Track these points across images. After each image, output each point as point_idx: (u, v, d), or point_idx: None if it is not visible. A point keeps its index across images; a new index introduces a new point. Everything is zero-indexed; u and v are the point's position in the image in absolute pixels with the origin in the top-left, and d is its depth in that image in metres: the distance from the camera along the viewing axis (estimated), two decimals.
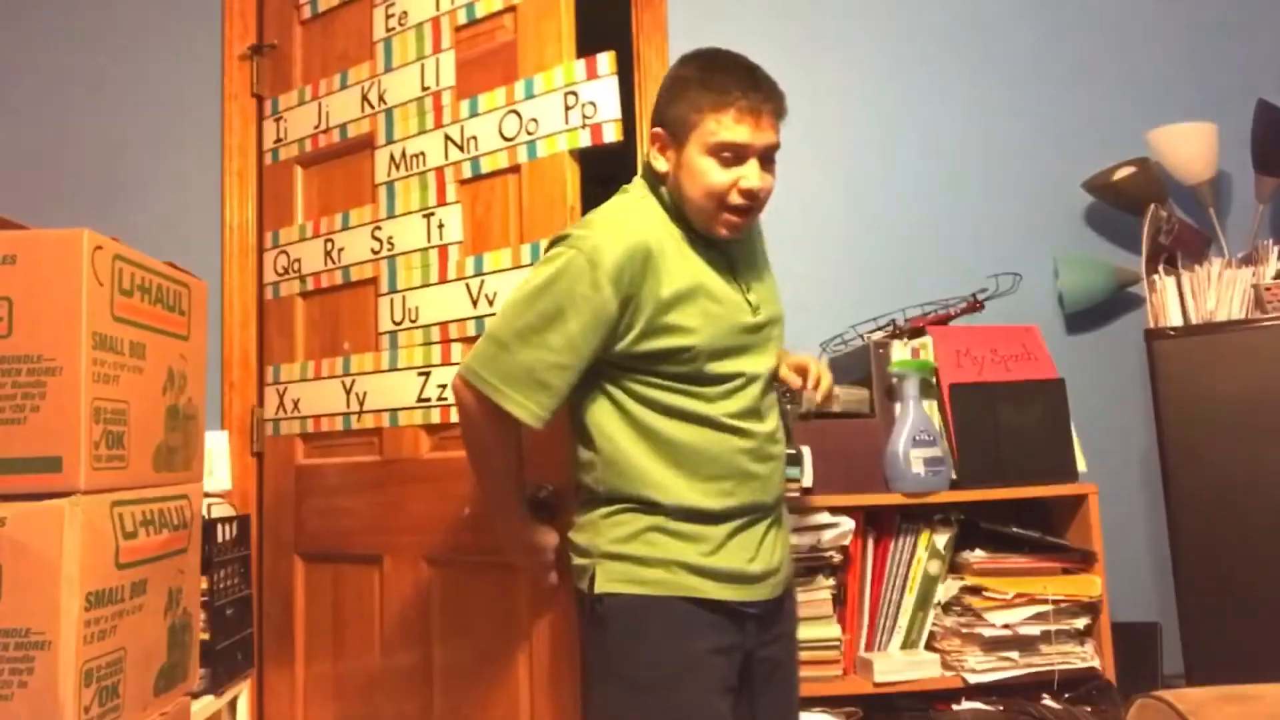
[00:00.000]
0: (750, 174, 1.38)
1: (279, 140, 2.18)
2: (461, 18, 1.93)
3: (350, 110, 2.06)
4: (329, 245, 2.07)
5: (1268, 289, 2.03)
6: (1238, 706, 1.16)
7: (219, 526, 1.84)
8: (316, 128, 2.11)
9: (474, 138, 1.88)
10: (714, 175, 1.37)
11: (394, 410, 1.95)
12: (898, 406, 1.89)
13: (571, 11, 1.81)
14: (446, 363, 1.87)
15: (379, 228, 1.99)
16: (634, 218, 1.41)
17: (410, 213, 1.95)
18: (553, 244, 1.42)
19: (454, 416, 1.74)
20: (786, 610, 1.52)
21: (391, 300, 1.96)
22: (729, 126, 1.36)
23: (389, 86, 2.01)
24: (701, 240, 1.44)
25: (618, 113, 1.72)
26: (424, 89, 1.97)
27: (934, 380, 1.96)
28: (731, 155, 1.37)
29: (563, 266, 1.35)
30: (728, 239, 1.43)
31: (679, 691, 1.33)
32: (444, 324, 1.88)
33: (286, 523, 2.09)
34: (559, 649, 1.75)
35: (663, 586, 1.35)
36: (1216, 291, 2.07)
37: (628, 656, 1.36)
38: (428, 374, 1.90)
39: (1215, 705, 1.16)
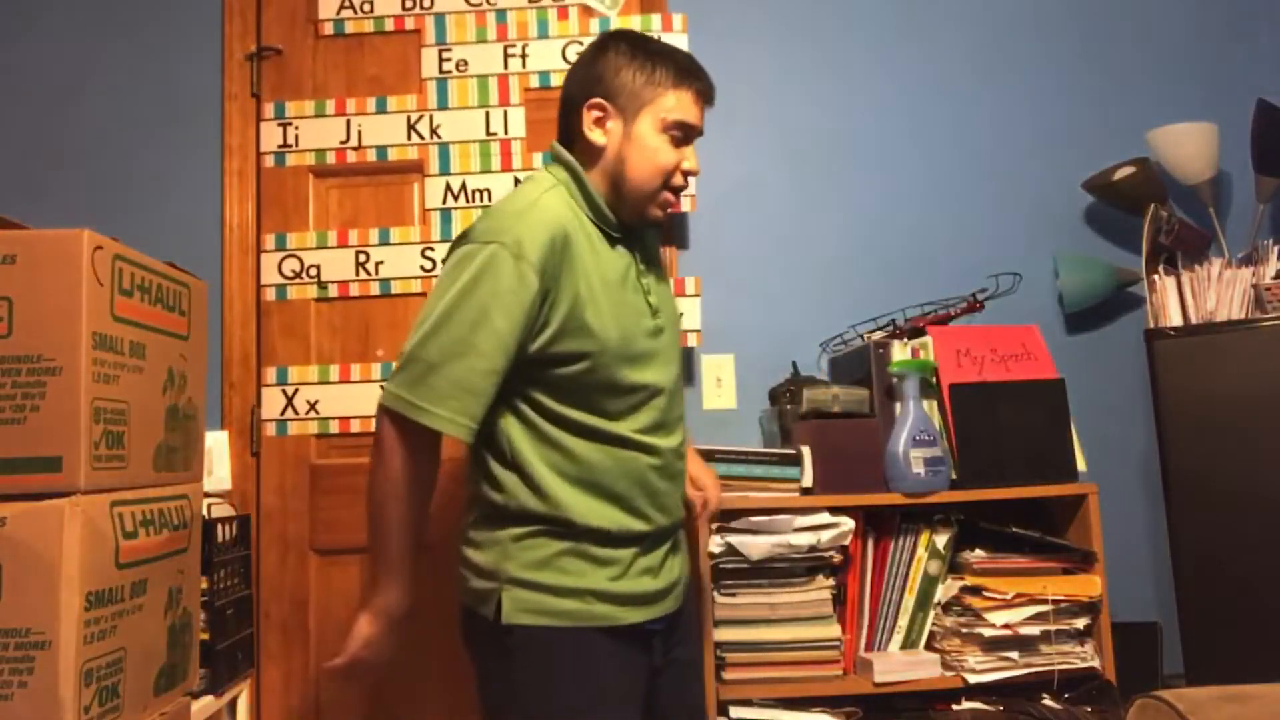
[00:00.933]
0: (692, 156, 1.39)
1: (286, 145, 2.22)
2: (534, 82, 2.25)
3: (392, 135, 2.23)
4: (361, 257, 2.18)
5: (1268, 289, 2.03)
6: (1238, 706, 1.16)
7: (219, 526, 1.84)
8: (344, 143, 2.22)
9: None
10: (664, 153, 1.36)
11: None
12: (898, 406, 1.89)
13: None
14: None
15: (431, 249, 2.19)
16: (547, 205, 1.33)
17: None
18: (458, 243, 1.34)
19: None
20: (686, 612, 1.50)
21: None
22: (687, 106, 1.36)
23: (443, 123, 2.23)
24: (608, 236, 1.39)
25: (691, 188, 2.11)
26: (490, 134, 2.22)
27: (934, 380, 1.96)
28: (681, 135, 1.37)
29: (484, 263, 1.26)
30: (656, 223, 1.43)
31: None
32: None
33: (297, 521, 2.13)
34: None
35: (575, 618, 1.30)
36: (1216, 291, 2.07)
37: (538, 691, 1.30)
38: None
39: (1215, 705, 1.17)
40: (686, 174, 1.40)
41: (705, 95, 1.40)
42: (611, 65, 1.38)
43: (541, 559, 1.32)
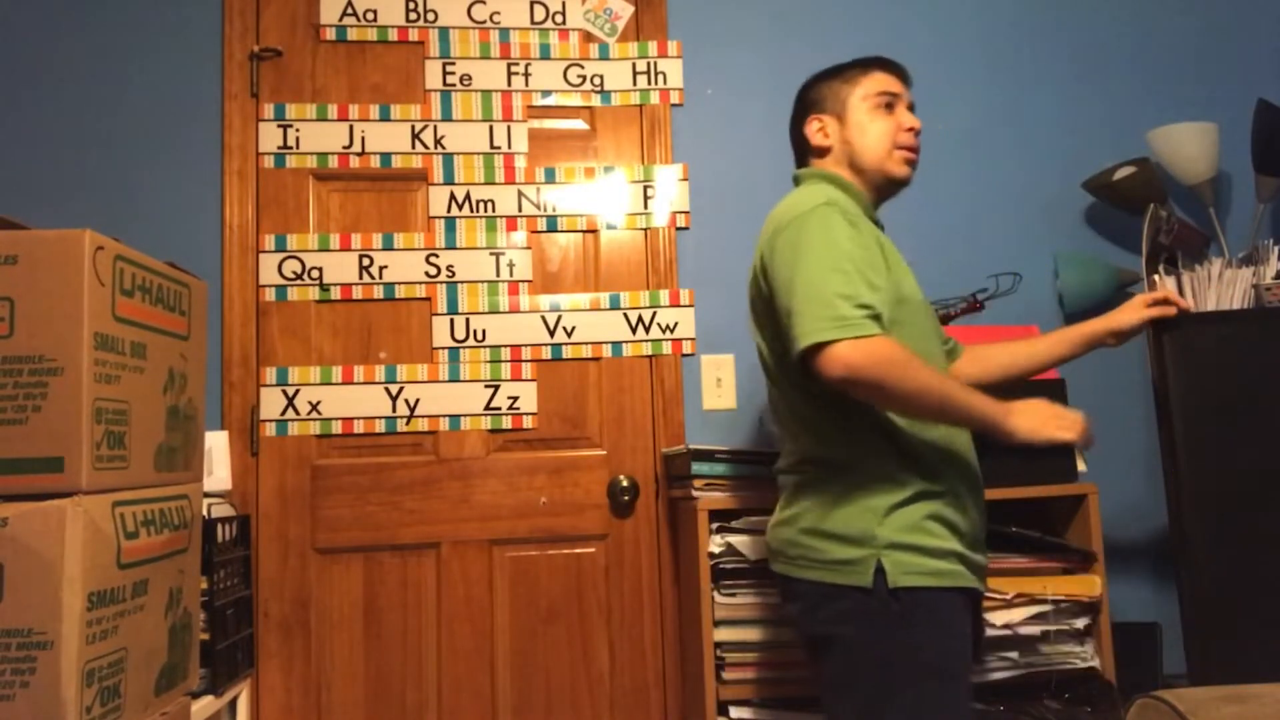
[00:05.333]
0: (910, 116, 1.61)
1: (286, 147, 2.24)
2: (536, 99, 2.32)
3: (397, 143, 2.27)
4: (365, 260, 2.21)
5: (1268, 289, 2.04)
6: (1238, 706, 1.17)
7: (219, 526, 1.84)
8: (347, 148, 2.25)
9: (553, 204, 2.29)
10: (881, 122, 1.58)
11: (455, 415, 2.19)
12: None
13: (639, 123, 2.34)
14: (517, 378, 2.21)
15: (435, 255, 2.23)
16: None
17: (476, 248, 2.25)
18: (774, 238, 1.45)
19: (526, 423, 2.20)
20: None
21: (452, 320, 2.22)
22: (883, 80, 1.57)
23: (447, 133, 2.28)
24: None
25: (686, 205, 2.31)
26: (493, 147, 2.28)
27: None
28: (890, 101, 1.58)
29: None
30: (905, 180, 1.58)
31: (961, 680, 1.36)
32: (515, 346, 2.22)
33: (298, 520, 2.14)
34: (640, 622, 2.17)
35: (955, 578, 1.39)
36: (1216, 291, 2.07)
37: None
38: (496, 386, 2.21)
39: (1215, 705, 1.17)
40: (911, 130, 1.54)
41: (895, 69, 1.58)
42: (812, 90, 1.61)
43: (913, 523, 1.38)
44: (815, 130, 1.58)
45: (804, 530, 1.40)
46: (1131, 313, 1.69)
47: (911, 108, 1.59)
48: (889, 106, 1.55)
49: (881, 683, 1.32)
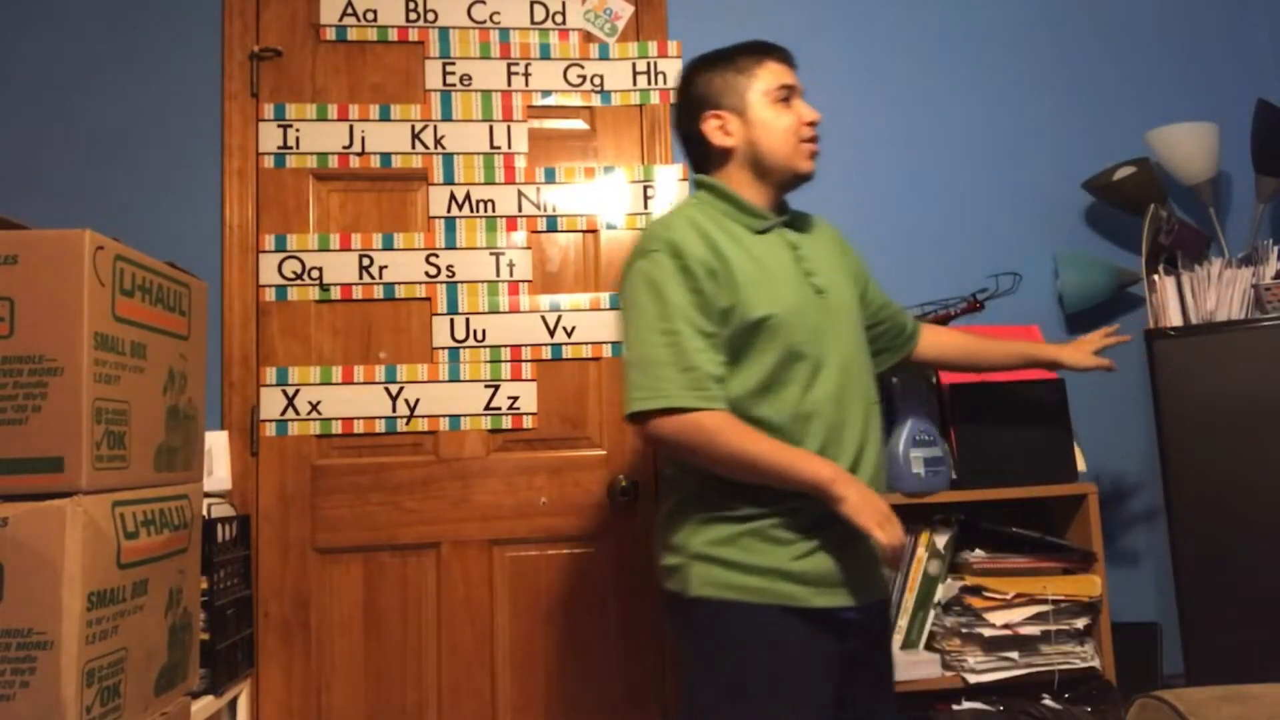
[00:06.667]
0: (807, 109, 1.54)
1: (286, 147, 2.24)
2: (536, 99, 2.31)
3: (396, 143, 2.27)
4: (365, 260, 2.21)
5: (1268, 289, 2.04)
6: (1238, 706, 1.17)
7: (219, 526, 1.84)
8: (347, 148, 2.25)
9: (553, 204, 2.28)
10: (783, 117, 1.51)
11: (455, 415, 2.19)
12: (898, 406, 1.89)
13: (639, 123, 2.34)
14: (517, 378, 2.21)
15: (435, 255, 2.23)
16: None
17: (476, 248, 2.25)
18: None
19: (526, 423, 2.20)
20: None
21: (452, 320, 2.22)
22: (779, 72, 1.52)
23: (447, 133, 2.28)
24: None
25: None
26: (493, 147, 2.28)
27: (934, 380, 1.97)
28: (787, 95, 1.52)
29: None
30: (808, 175, 1.53)
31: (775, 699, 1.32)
32: (515, 346, 2.22)
33: (299, 520, 2.14)
34: (640, 622, 2.17)
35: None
36: (1216, 291, 2.07)
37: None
38: (496, 386, 2.21)
39: (1215, 705, 1.17)
40: (812, 123, 1.50)
41: (786, 57, 1.54)
42: (702, 82, 1.52)
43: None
44: (715, 129, 1.50)
45: (659, 542, 1.48)
46: (1079, 356, 1.76)
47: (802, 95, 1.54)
48: (787, 100, 1.49)
49: (691, 692, 1.38)
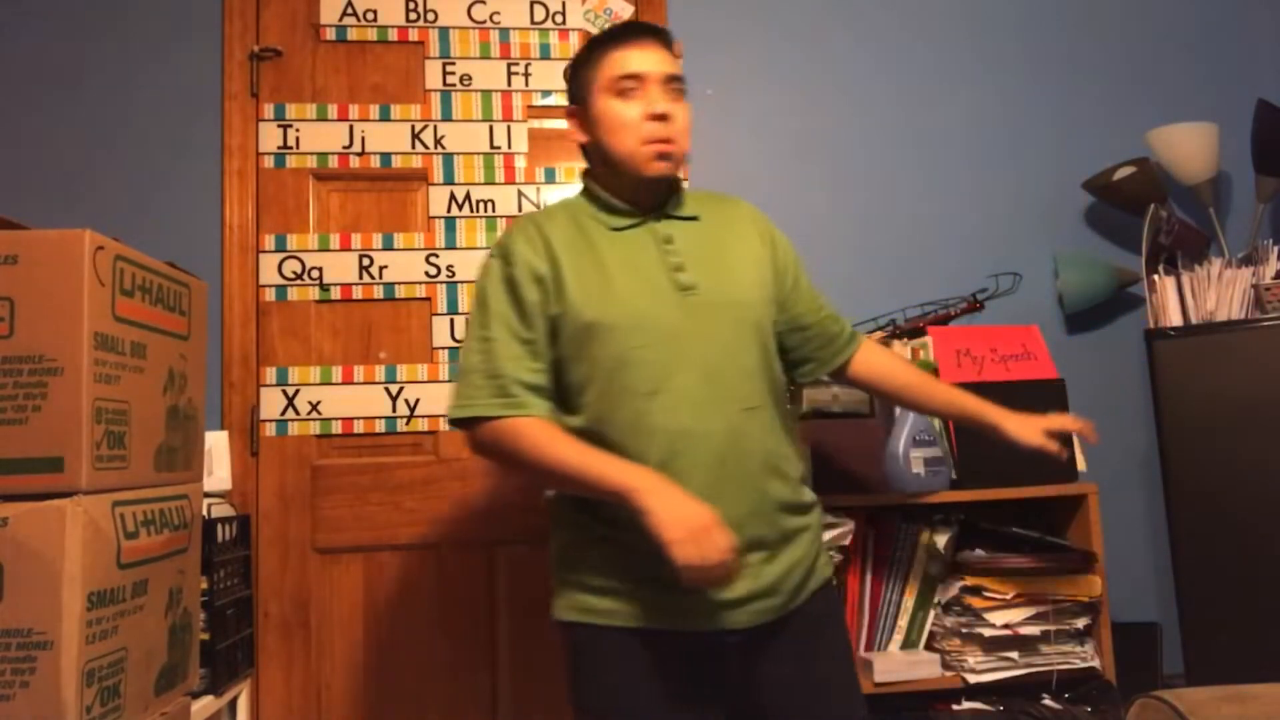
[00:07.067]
0: (656, 100, 1.36)
1: (286, 147, 2.24)
2: (536, 99, 2.32)
3: (397, 143, 2.27)
4: (365, 260, 2.22)
5: (1268, 289, 2.04)
6: (1238, 706, 1.17)
7: (219, 526, 1.84)
8: (346, 148, 2.25)
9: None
10: (623, 110, 1.36)
11: None
12: (898, 407, 1.89)
13: None
14: None
15: (435, 255, 2.23)
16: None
17: (476, 248, 2.25)
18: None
19: None
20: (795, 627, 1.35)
21: (452, 320, 2.22)
22: (623, 59, 1.37)
23: (447, 133, 2.28)
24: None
25: None
26: (493, 147, 2.29)
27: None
28: (633, 86, 1.36)
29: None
30: (660, 175, 1.37)
31: None
32: None
33: (298, 520, 2.14)
34: None
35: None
36: (1216, 291, 2.07)
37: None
38: None
39: (1215, 705, 1.17)
40: (655, 118, 1.34)
41: (639, 42, 1.38)
42: (570, 77, 1.44)
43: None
44: (573, 126, 1.43)
45: None
46: (1026, 431, 1.49)
47: (673, 82, 1.38)
48: (628, 92, 1.35)
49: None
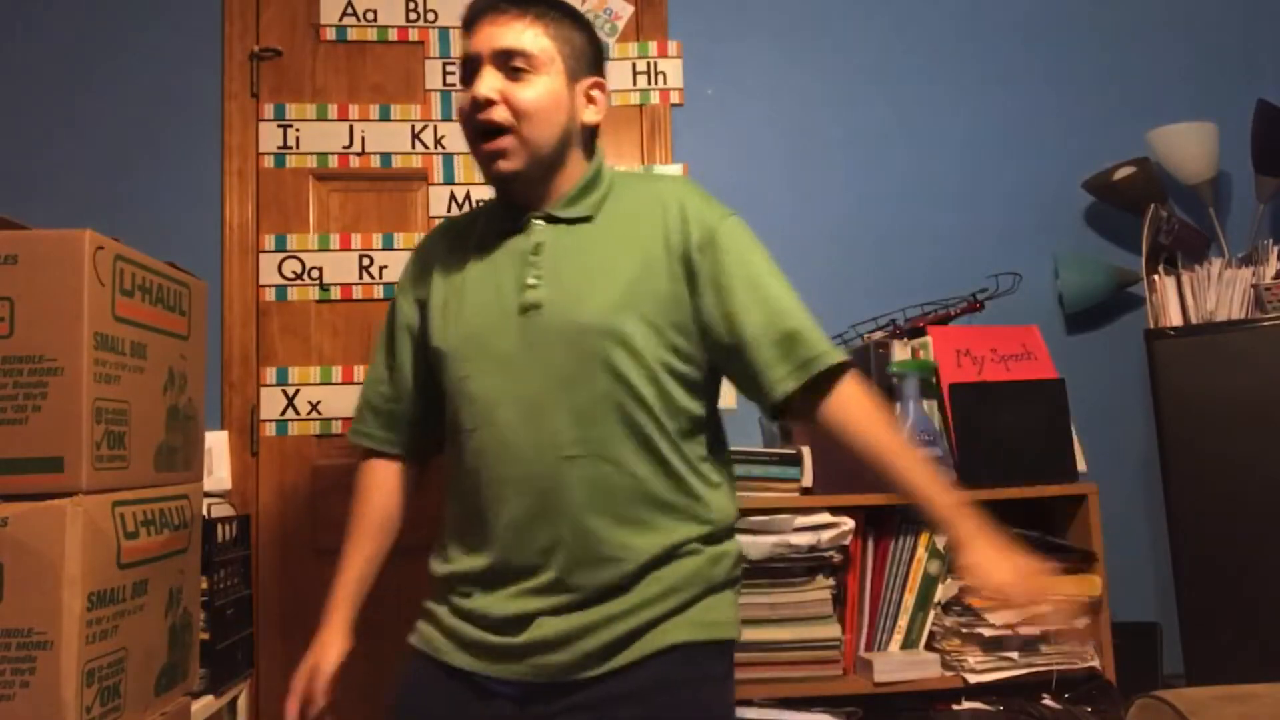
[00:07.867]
0: (479, 84, 1.15)
1: (286, 147, 2.24)
2: None
3: (396, 144, 2.27)
4: (365, 260, 2.21)
5: (1268, 289, 2.04)
6: (1238, 706, 1.17)
7: (219, 526, 1.84)
8: (346, 148, 2.25)
9: None
10: (461, 100, 1.20)
11: None
12: (898, 406, 1.89)
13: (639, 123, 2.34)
14: None
15: None
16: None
17: None
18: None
19: None
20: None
21: None
22: (464, 44, 1.19)
23: (446, 134, 2.27)
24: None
25: None
26: None
27: (934, 380, 1.96)
28: (470, 74, 1.17)
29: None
30: (499, 177, 1.19)
31: None
32: None
33: (297, 521, 2.14)
34: None
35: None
36: (1216, 291, 2.07)
37: None
38: None
39: (1215, 705, 1.17)
40: (476, 101, 1.13)
41: (480, 18, 1.16)
42: None
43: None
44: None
45: None
46: (991, 573, 1.23)
47: (511, 57, 1.13)
48: (470, 81, 1.15)
49: None
